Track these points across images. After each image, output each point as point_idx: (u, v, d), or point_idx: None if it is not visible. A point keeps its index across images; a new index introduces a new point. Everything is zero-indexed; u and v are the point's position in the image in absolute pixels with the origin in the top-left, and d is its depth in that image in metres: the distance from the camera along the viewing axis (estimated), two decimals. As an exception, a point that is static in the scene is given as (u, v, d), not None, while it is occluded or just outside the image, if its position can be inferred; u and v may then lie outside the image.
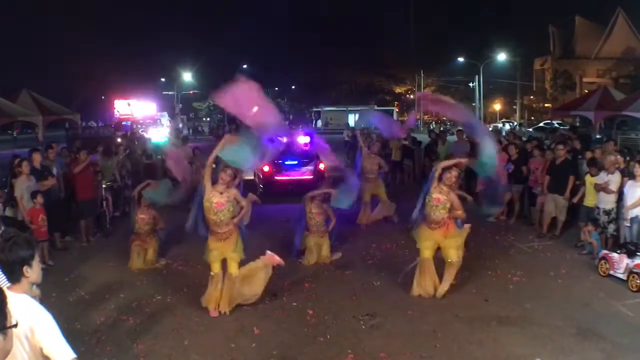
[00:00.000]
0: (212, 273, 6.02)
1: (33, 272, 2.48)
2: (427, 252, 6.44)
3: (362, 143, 10.71)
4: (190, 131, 45.73)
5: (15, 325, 2.03)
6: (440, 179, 6.32)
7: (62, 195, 9.20)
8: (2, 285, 2.40)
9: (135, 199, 8.09)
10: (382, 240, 8.98)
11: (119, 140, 15.43)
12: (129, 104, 48.48)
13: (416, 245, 6.63)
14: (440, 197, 6.26)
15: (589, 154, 9.55)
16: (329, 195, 8.03)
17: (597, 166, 8.45)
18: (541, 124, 35.98)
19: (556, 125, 31.36)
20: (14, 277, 2.42)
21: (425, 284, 6.42)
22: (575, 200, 8.86)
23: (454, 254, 6.37)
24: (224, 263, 6.06)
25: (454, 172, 6.37)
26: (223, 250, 5.97)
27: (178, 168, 7.71)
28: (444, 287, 6.43)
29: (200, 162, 13.36)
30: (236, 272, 5.99)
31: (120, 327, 5.68)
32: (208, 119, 60.88)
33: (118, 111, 48.28)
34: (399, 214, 10.07)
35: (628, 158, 9.40)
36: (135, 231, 7.85)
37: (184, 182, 7.51)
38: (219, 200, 5.78)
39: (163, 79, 58.73)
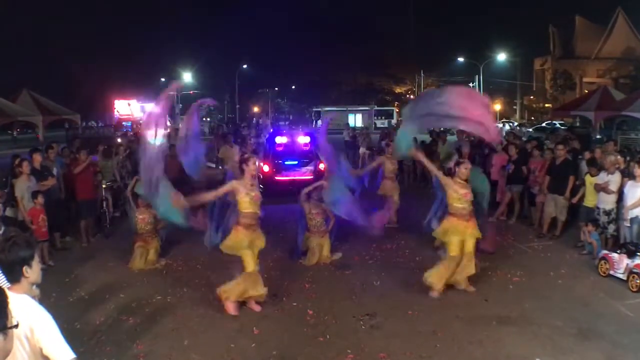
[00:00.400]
0: (250, 270, 5.87)
1: (33, 272, 2.48)
2: (457, 249, 6.45)
3: (361, 143, 10.73)
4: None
5: (16, 326, 2.03)
6: (453, 174, 6.52)
7: (62, 196, 9.20)
8: (2, 285, 2.40)
9: (131, 199, 8.08)
10: (382, 240, 8.96)
11: (119, 140, 15.43)
12: (129, 104, 48.51)
13: (443, 240, 6.65)
14: (467, 191, 6.42)
15: (587, 154, 9.56)
16: (323, 189, 7.94)
17: (597, 166, 8.45)
18: (544, 124, 35.88)
19: (558, 125, 31.37)
20: (14, 277, 2.42)
21: (445, 279, 6.45)
22: (574, 200, 8.86)
23: (473, 244, 6.53)
24: None
25: (467, 165, 6.55)
26: (256, 243, 5.99)
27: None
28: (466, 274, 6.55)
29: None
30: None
31: (120, 327, 5.67)
32: (208, 119, 60.90)
33: (118, 111, 48.31)
34: (398, 213, 10.08)
35: (628, 158, 9.39)
36: (138, 232, 7.84)
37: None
38: (256, 193, 5.85)
39: (163, 79, 58.75)
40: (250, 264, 5.89)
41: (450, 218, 6.53)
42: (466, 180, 6.50)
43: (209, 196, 5.95)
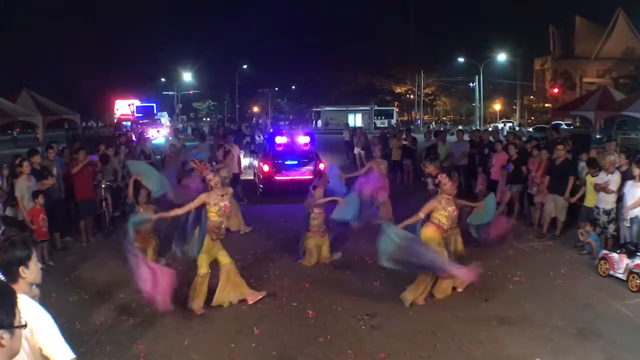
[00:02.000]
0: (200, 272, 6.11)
1: (30, 272, 2.47)
2: None
3: (356, 142, 10.71)
4: (191, 131, 45.89)
5: (25, 326, 2.02)
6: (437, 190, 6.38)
7: (61, 196, 9.19)
8: None
9: (133, 198, 8.07)
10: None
11: (120, 139, 15.44)
12: (129, 105, 48.54)
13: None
14: (454, 208, 6.32)
15: (584, 156, 9.55)
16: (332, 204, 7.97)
17: (596, 166, 8.44)
18: (554, 124, 35.58)
19: (564, 126, 31.25)
20: (11, 277, 2.41)
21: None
22: (574, 200, 8.85)
23: None
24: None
25: (445, 179, 6.31)
26: (212, 252, 6.23)
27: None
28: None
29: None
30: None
31: (120, 327, 5.68)
32: (208, 119, 60.96)
33: (117, 109, 48.38)
34: (396, 213, 10.07)
35: (631, 158, 9.35)
36: (136, 230, 7.81)
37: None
38: (225, 204, 6.06)
39: (163, 79, 58.78)
40: (202, 265, 6.06)
41: (431, 225, 6.33)
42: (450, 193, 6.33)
43: (180, 212, 6.00)
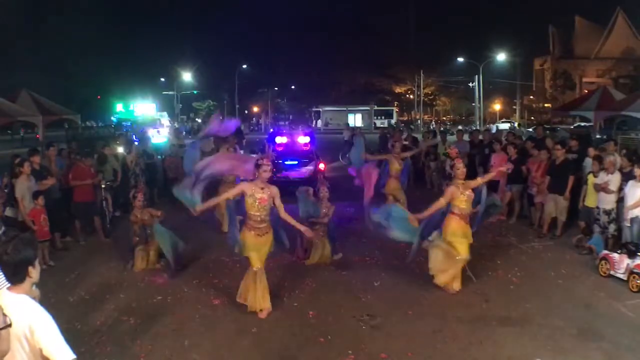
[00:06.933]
0: (254, 267, 5.87)
1: (36, 272, 2.48)
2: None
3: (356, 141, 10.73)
4: (190, 130, 45.93)
5: (10, 325, 2.02)
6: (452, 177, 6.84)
7: (59, 195, 9.18)
8: (2, 286, 2.40)
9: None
10: (383, 240, 8.96)
11: (123, 138, 15.44)
12: (130, 106, 48.61)
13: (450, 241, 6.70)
14: (470, 192, 6.64)
15: (591, 152, 9.50)
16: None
17: (599, 166, 8.40)
18: (572, 127, 35.29)
19: (580, 125, 31.14)
20: (19, 277, 2.41)
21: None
22: (580, 206, 8.79)
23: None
24: None
25: (457, 164, 6.72)
26: (262, 249, 5.95)
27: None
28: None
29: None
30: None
31: (120, 327, 5.67)
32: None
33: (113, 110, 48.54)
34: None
35: (634, 158, 9.31)
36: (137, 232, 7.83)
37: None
38: (262, 196, 5.78)
39: (163, 79, 58.79)
40: (255, 261, 5.84)
41: (454, 217, 6.58)
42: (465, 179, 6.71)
43: (221, 198, 6.54)
